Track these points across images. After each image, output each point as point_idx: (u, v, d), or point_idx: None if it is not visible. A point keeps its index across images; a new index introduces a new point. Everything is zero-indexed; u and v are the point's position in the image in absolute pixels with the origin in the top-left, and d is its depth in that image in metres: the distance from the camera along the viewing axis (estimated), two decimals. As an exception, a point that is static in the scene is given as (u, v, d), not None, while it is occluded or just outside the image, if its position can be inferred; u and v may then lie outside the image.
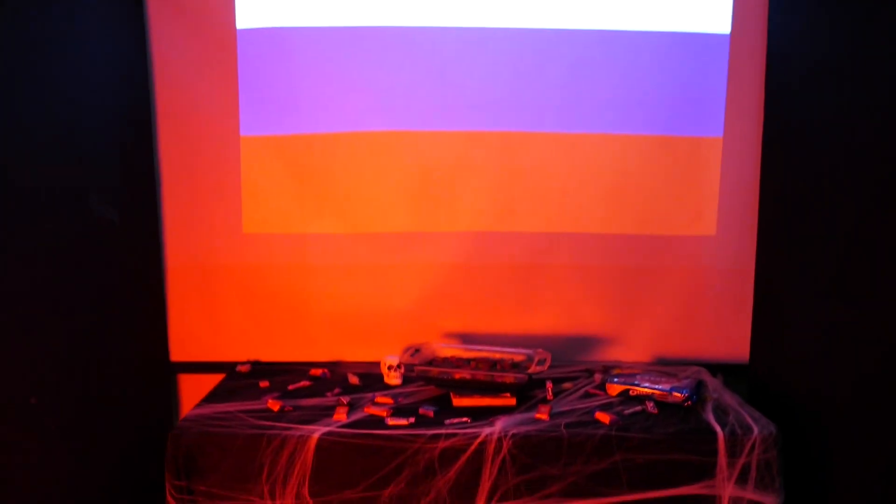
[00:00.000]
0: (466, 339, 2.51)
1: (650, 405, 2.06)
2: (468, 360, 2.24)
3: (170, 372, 2.52)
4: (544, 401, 2.12)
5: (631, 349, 2.53)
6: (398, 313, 2.49)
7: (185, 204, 2.43)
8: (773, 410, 2.07)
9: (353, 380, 2.30)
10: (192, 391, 2.49)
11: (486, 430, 1.89)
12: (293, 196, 2.44)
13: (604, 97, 2.40)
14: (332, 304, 2.49)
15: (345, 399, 2.09)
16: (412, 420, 1.95)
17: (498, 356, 2.28)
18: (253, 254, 2.46)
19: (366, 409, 2.03)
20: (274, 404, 2.04)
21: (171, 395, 2.54)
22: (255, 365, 2.47)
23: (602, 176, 2.44)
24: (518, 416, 1.99)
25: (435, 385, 2.14)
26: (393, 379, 2.29)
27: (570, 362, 2.47)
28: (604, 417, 1.97)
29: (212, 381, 2.34)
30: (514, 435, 1.87)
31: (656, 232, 2.46)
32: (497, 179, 2.43)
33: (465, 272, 2.48)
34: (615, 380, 2.19)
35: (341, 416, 1.97)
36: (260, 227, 2.45)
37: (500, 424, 1.92)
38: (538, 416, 1.98)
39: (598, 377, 2.32)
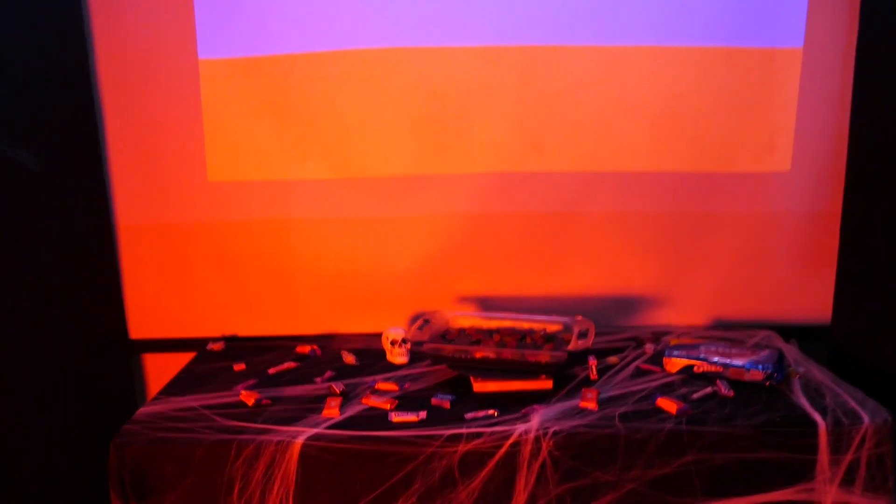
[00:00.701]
0: (486, 304, 2.07)
1: (723, 386, 1.63)
2: (490, 333, 1.81)
3: (129, 352, 2.09)
4: (588, 382, 1.69)
5: (684, 311, 2.09)
6: (402, 275, 2.05)
7: (134, 148, 1.97)
8: (860, 386, 1.64)
9: (349, 359, 1.87)
10: (162, 375, 2.07)
11: (520, 427, 1.47)
12: (268, 133, 1.97)
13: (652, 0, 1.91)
14: (322, 266, 2.05)
15: (338, 387, 1.66)
16: (423, 415, 1.53)
17: (527, 326, 1.84)
18: (221, 207, 2.01)
19: (364, 401, 1.60)
20: (248, 396, 1.62)
21: (134, 381, 2.12)
22: (231, 342, 2.04)
23: (650, 100, 1.96)
24: (558, 407, 1.56)
25: (449, 366, 1.71)
26: (397, 357, 1.86)
27: (612, 329, 2.04)
28: (668, 405, 1.54)
29: (183, 361, 1.92)
30: (555, 432, 1.45)
31: (716, 168, 2.00)
32: (521, 107, 1.96)
33: (484, 223, 2.02)
34: (674, 353, 1.76)
35: (333, 411, 1.55)
36: (229, 174, 1.99)
37: (536, 418, 1.49)
38: (584, 404, 1.56)
39: (649, 348, 1.89)
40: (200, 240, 2.03)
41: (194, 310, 2.07)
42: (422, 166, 1.99)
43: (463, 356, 1.68)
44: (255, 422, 1.52)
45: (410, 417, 1.52)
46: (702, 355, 1.73)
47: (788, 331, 2.01)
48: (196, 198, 2.00)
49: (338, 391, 1.65)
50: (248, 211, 2.01)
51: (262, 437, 1.45)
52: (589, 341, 1.66)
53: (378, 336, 1.92)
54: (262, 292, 2.06)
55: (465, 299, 2.08)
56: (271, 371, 1.81)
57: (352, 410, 1.57)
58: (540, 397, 1.61)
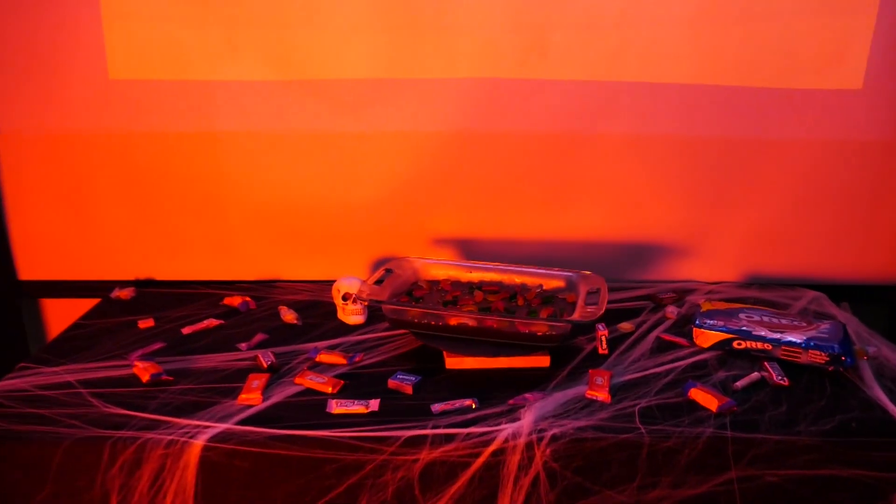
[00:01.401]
0: (468, 249, 1.65)
1: (774, 372, 1.23)
2: (471, 289, 1.40)
3: (18, 296, 1.67)
4: (595, 358, 1.30)
5: (713, 263, 1.69)
6: (361, 208, 1.63)
7: (12, 34, 1.49)
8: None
9: (288, 317, 1.46)
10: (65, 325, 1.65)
11: (507, 429, 1.07)
12: (188, 18, 1.49)
13: None
14: (259, 194, 1.61)
15: (266, 359, 1.25)
16: (374, 405, 1.13)
17: (518, 280, 1.43)
18: (127, 113, 1.55)
19: (297, 380, 1.20)
20: (144, 369, 1.21)
21: (26, 332, 1.70)
22: (144, 287, 1.62)
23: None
24: (558, 397, 1.16)
25: (415, 335, 1.30)
26: (351, 315, 1.45)
27: (624, 284, 1.64)
28: (706, 398, 1.15)
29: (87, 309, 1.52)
30: (554, 437, 1.06)
31: (768, 83, 1.55)
32: (520, -10, 1.49)
33: (468, 144, 1.59)
34: (707, 322, 1.36)
35: (253, 395, 1.14)
36: (135, 71, 1.53)
37: (529, 415, 1.10)
38: (592, 393, 1.16)
39: (671, 311, 1.49)
40: (102, 155, 1.58)
41: (98, 245, 1.64)
42: (389, 67, 1.53)
43: (433, 322, 1.26)
44: (146, 409, 1.11)
45: (357, 408, 1.12)
46: (743, 327, 1.33)
47: (838, 291, 1.62)
48: (94, 101, 1.54)
49: (265, 364, 1.24)
50: (161, 120, 1.55)
51: (150, 435, 1.05)
52: (601, 308, 1.25)
53: (329, 285, 1.51)
54: (183, 225, 1.63)
55: (440, 242, 1.66)
56: (185, 331, 1.40)
57: (279, 394, 1.16)
58: (533, 381, 1.21)
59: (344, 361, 1.27)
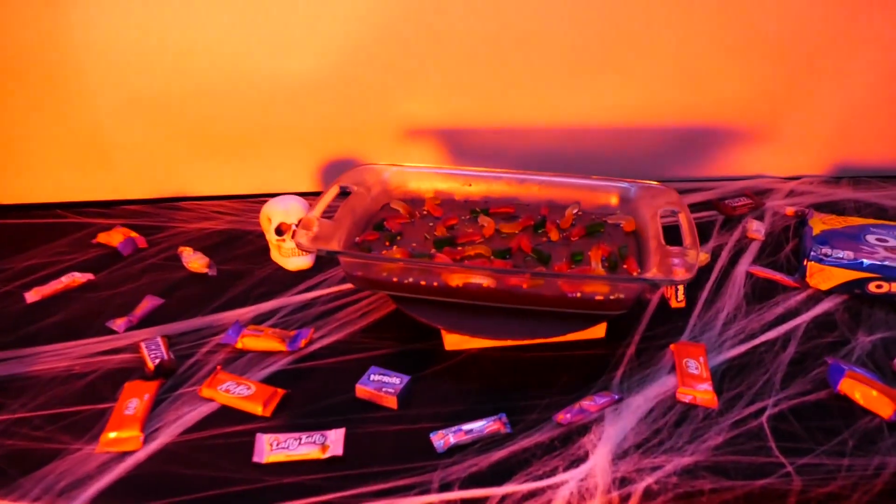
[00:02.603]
0: (457, 145, 1.15)
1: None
2: (473, 213, 0.91)
3: None
4: (667, 314, 0.85)
5: (789, 151, 1.25)
6: (300, 88, 1.10)
7: None
8: None
9: (195, 264, 0.96)
10: None
11: (567, 481, 0.63)
12: None
13: None
14: (145, 69, 1.05)
15: (153, 353, 0.77)
16: (335, 442, 0.66)
17: (545, 195, 0.95)
18: None
19: (204, 389, 0.73)
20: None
21: None
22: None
23: None
24: (634, 405, 0.71)
25: (396, 301, 0.81)
26: (290, 258, 0.95)
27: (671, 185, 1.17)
28: (870, 396, 0.72)
29: None
30: (649, 493, 0.62)
31: None
32: None
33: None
34: (830, 256, 0.91)
35: (127, 432, 0.67)
36: None
37: (600, 450, 0.65)
38: (686, 391, 0.72)
39: (754, 228, 1.04)
40: None
41: None
42: None
43: (422, 282, 0.78)
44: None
45: (307, 451, 0.66)
46: (886, 261, 0.89)
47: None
48: None
49: (152, 365, 0.76)
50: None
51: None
52: (693, 249, 0.77)
53: (259, 203, 1.00)
54: (24, 118, 1.07)
55: (416, 135, 1.15)
56: (30, 299, 0.89)
57: (173, 423, 0.69)
58: (584, 368, 0.76)
59: (283, 347, 0.79)
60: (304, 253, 0.94)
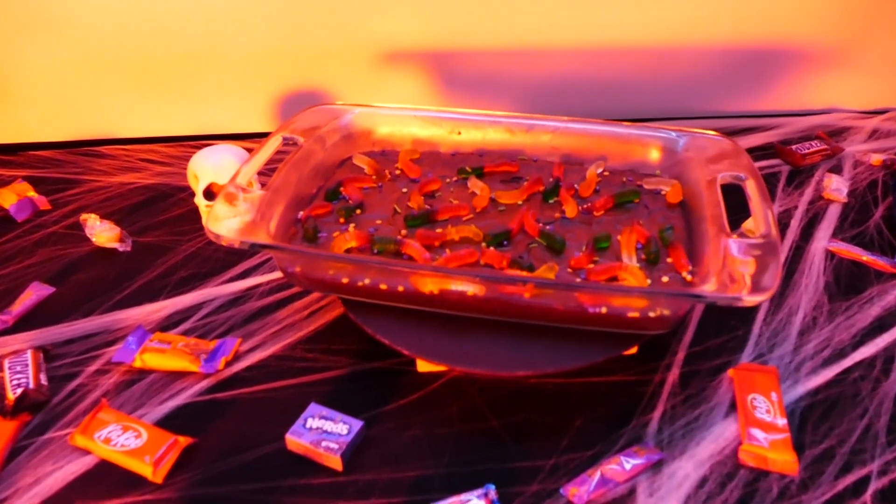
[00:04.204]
0: (446, 72, 0.91)
1: None
2: (462, 172, 0.68)
3: None
4: (729, 325, 0.62)
5: (870, 79, 0.99)
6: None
7: None
8: None
9: (103, 236, 0.73)
10: None
11: None
12: None
13: None
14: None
15: (17, 379, 0.56)
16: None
17: (552, 141, 0.70)
18: None
19: (75, 439, 0.52)
20: None
21: None
22: None
23: None
24: (680, 472, 0.50)
25: (348, 307, 0.59)
26: (220, 231, 0.72)
27: (719, 122, 0.93)
28: None
29: None
30: None
31: None
32: None
33: None
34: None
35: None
36: None
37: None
38: (750, 449, 0.50)
39: (833, 185, 0.80)
40: None
41: None
42: None
43: (383, 287, 0.55)
44: None
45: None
46: None
47: None
48: None
49: (12, 396, 0.55)
50: None
51: None
52: (774, 251, 0.53)
53: (197, 149, 0.77)
54: None
55: (400, 59, 0.90)
56: None
57: (30, 494, 0.49)
58: (609, 405, 0.55)
59: (195, 367, 0.58)
60: (247, 210, 0.71)
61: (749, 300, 0.48)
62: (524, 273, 0.55)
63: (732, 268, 0.52)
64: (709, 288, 0.51)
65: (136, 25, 0.86)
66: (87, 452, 0.52)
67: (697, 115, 0.96)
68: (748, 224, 0.59)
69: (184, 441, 0.52)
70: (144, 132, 0.92)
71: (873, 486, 0.49)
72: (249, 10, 0.86)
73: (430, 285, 0.53)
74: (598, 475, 0.49)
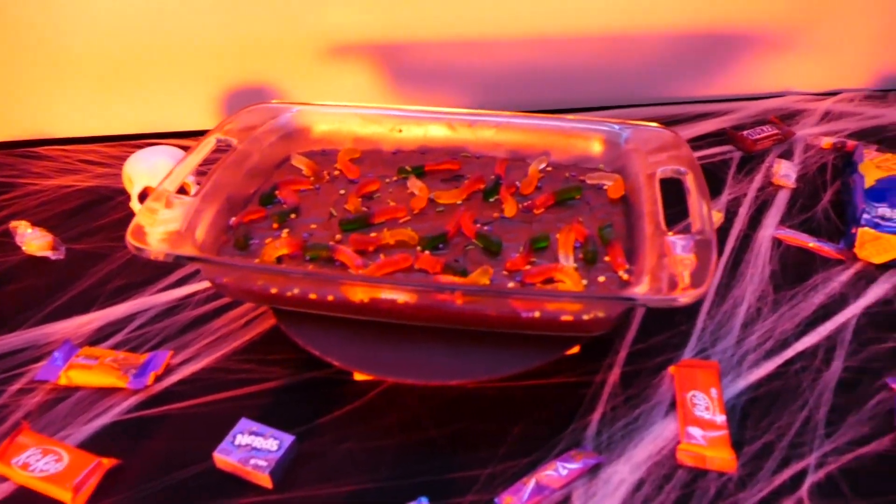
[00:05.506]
0: (394, 65, 0.88)
1: None
2: (402, 172, 0.66)
3: None
4: (673, 320, 0.61)
5: (825, 60, 0.98)
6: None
7: None
8: None
9: (34, 244, 0.71)
10: None
11: None
12: None
13: None
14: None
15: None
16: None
17: (494, 137, 0.69)
18: None
19: (-6, 477, 0.50)
20: None
21: None
22: None
23: None
24: (615, 477, 0.49)
25: (278, 317, 0.57)
26: (143, 243, 0.70)
27: (671, 108, 0.92)
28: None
29: None
30: None
31: None
32: None
33: None
34: (887, 220, 0.67)
35: None
36: None
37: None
38: (687, 448, 0.50)
39: (782, 171, 0.80)
40: None
41: None
42: None
43: (313, 297, 0.54)
44: None
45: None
46: (962, 222, 0.65)
47: None
48: None
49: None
50: None
51: None
52: (708, 248, 0.52)
53: (139, 149, 0.74)
54: None
55: (349, 52, 0.88)
56: None
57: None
58: (548, 408, 0.54)
59: (123, 383, 0.56)
60: (178, 219, 0.69)
61: (681, 300, 0.47)
62: (454, 280, 0.53)
63: (672, 266, 0.51)
64: (641, 289, 0.50)
65: (75, 19, 0.83)
66: (4, 479, 0.50)
67: (650, 102, 0.95)
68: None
69: (108, 463, 0.50)
70: (84, 131, 0.90)
71: (810, 479, 0.49)
72: (192, 4, 0.84)
73: (359, 294, 0.52)
74: (532, 483, 0.48)
